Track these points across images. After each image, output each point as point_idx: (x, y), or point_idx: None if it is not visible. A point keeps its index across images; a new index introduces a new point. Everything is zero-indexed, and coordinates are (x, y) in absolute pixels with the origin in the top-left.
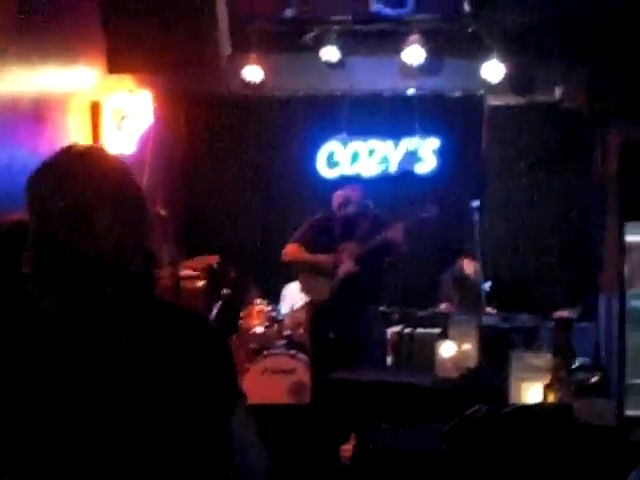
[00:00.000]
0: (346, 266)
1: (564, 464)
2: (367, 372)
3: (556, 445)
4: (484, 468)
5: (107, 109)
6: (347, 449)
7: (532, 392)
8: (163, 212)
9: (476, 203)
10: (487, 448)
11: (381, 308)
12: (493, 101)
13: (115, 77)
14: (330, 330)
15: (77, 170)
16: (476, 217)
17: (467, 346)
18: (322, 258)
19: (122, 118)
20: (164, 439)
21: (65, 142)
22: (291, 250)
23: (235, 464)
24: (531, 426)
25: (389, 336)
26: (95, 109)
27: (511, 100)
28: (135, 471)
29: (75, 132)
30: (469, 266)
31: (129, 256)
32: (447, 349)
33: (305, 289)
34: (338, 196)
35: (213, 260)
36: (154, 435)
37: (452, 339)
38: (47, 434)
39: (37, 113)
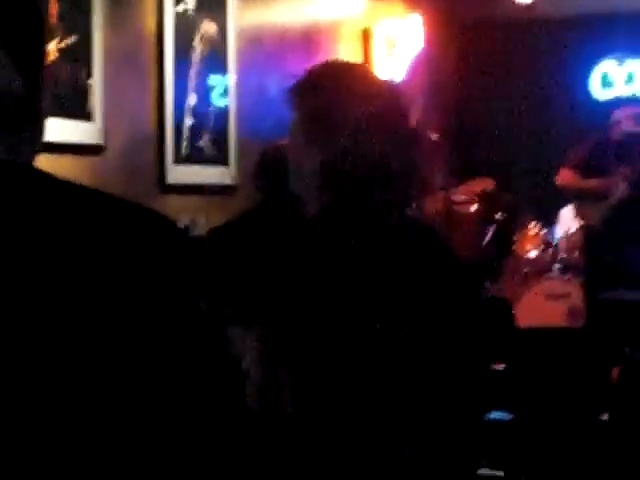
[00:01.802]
0: (621, 190)
1: None
2: None
3: None
4: None
5: (378, 36)
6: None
7: None
8: (435, 137)
9: None
10: None
11: None
12: None
13: (385, 2)
14: (606, 254)
15: (349, 84)
16: None
17: None
18: (596, 183)
19: (393, 44)
20: None
21: None
22: (564, 175)
23: None
24: None
25: None
26: (365, 36)
27: None
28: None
29: (345, 59)
30: None
31: (393, 176)
32: None
33: (579, 214)
34: (614, 118)
35: (488, 184)
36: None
37: None
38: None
39: (307, 42)
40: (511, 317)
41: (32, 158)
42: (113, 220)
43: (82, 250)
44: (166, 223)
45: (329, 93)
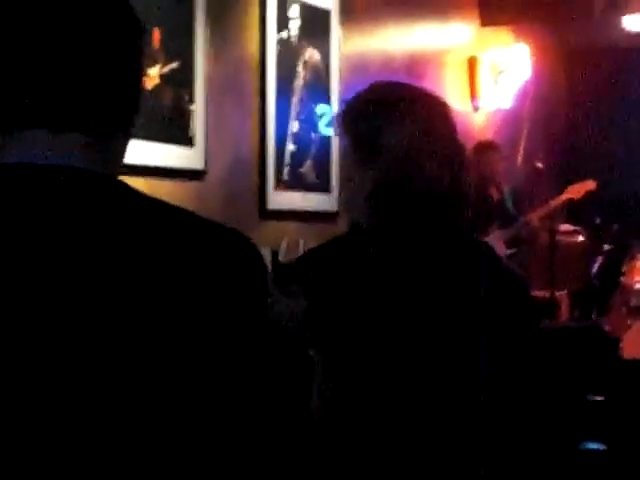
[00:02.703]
0: None
1: None
2: None
3: None
4: None
5: (484, 64)
6: None
7: None
8: (540, 165)
9: None
10: None
11: None
12: None
13: (490, 30)
14: None
15: (397, 106)
16: None
17: None
18: None
19: (499, 72)
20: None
21: None
22: None
23: None
24: None
25: None
26: (471, 64)
27: None
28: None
29: (451, 88)
30: None
31: (442, 197)
32: None
33: None
34: None
35: (592, 185)
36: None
37: None
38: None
39: (412, 69)
40: (614, 350)
41: (116, 170)
42: (188, 236)
43: (157, 261)
44: (243, 244)
45: (377, 117)
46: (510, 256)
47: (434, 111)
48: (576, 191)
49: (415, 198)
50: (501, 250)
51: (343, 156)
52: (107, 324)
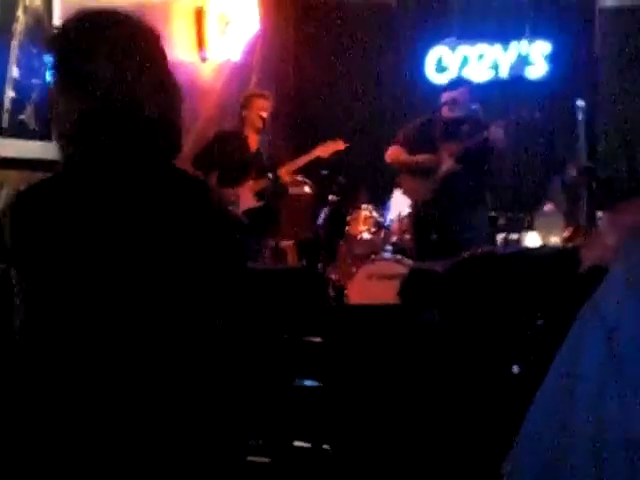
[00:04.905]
0: (446, 165)
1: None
2: None
3: (556, 288)
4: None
5: (211, 15)
6: None
7: None
8: (265, 114)
9: (581, 103)
10: (481, 288)
11: (490, 214)
12: (606, 2)
13: None
14: (433, 232)
15: (100, 33)
16: (580, 117)
17: (555, 238)
18: (422, 158)
19: (227, 24)
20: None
21: (169, 49)
22: (392, 152)
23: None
24: (528, 268)
25: (498, 242)
26: (199, 15)
27: (626, 1)
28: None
29: (179, 38)
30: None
31: (152, 124)
32: (532, 240)
33: (406, 190)
34: (446, 97)
35: (340, 146)
36: (158, 297)
37: (538, 230)
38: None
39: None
40: (325, 291)
41: None
42: None
43: None
44: None
45: (83, 41)
46: (259, 208)
47: (143, 37)
48: (325, 150)
49: (123, 126)
50: (249, 201)
51: (52, 85)
52: None
